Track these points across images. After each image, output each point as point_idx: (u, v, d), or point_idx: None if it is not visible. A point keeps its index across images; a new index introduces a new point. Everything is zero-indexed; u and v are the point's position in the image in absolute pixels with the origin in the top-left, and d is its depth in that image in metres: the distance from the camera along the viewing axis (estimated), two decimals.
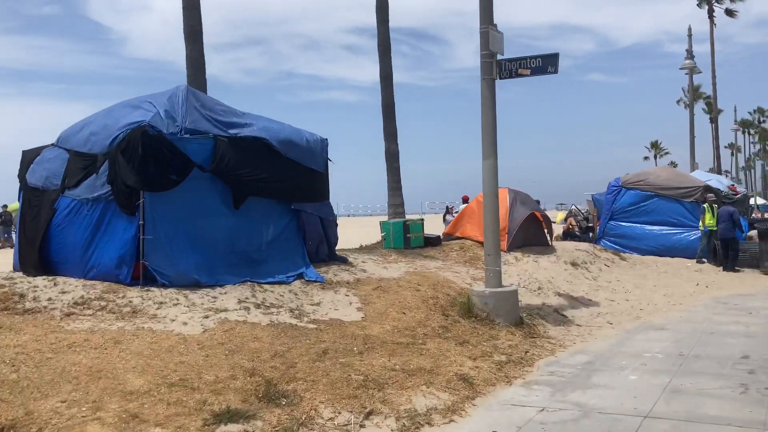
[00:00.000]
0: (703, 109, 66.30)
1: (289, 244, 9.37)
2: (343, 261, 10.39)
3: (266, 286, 8.64)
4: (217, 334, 6.85)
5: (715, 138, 56.75)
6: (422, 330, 7.88)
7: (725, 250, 15.95)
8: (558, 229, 22.00)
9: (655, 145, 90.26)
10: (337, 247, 13.87)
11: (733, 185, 22.07)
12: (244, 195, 8.89)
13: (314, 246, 9.87)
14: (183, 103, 8.46)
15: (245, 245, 8.94)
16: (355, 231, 25.39)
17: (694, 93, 73.87)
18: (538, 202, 25.32)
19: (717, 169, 58.17)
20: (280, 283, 8.88)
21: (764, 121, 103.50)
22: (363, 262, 10.86)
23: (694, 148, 27.09)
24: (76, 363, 5.93)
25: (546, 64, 8.50)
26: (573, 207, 23.03)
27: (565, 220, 21.89)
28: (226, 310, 7.57)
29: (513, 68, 8.63)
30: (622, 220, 18.43)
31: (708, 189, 17.60)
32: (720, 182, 21.57)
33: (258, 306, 7.89)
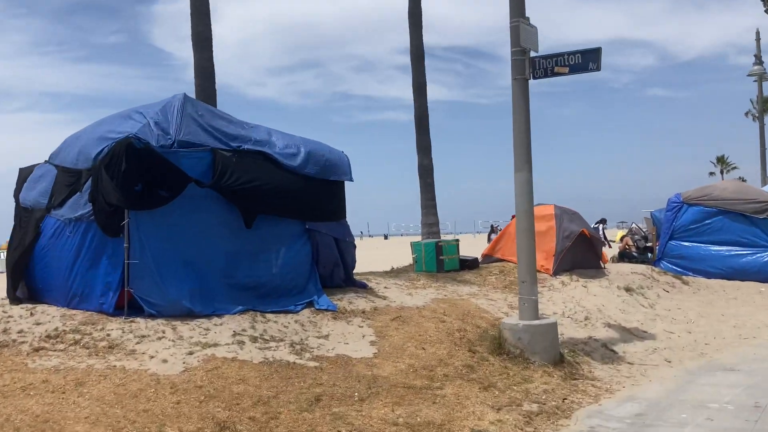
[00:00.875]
0: None
1: (299, 268, 8.42)
2: (362, 287, 9.37)
3: (270, 316, 7.71)
4: (197, 375, 5.93)
5: None
6: (442, 370, 6.77)
7: None
8: (615, 250, 20.41)
9: (721, 160, 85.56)
10: (362, 270, 12.90)
11: None
12: (252, 213, 8.01)
13: (328, 270, 8.90)
14: (178, 113, 7.67)
15: (249, 269, 8.03)
16: (396, 251, 24.35)
17: (765, 103, 70.33)
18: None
19: None
20: (287, 312, 7.94)
21: None
22: (385, 288, 9.82)
23: (766, 160, 24.95)
24: (24, 410, 5.10)
25: (587, 60, 7.33)
26: (633, 225, 21.37)
27: (622, 239, 20.27)
28: (216, 345, 6.66)
29: (549, 66, 7.50)
30: (683, 239, 16.75)
31: None
32: None
33: (255, 339, 6.95)
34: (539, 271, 12.56)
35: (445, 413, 5.50)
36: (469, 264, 12.82)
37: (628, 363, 7.96)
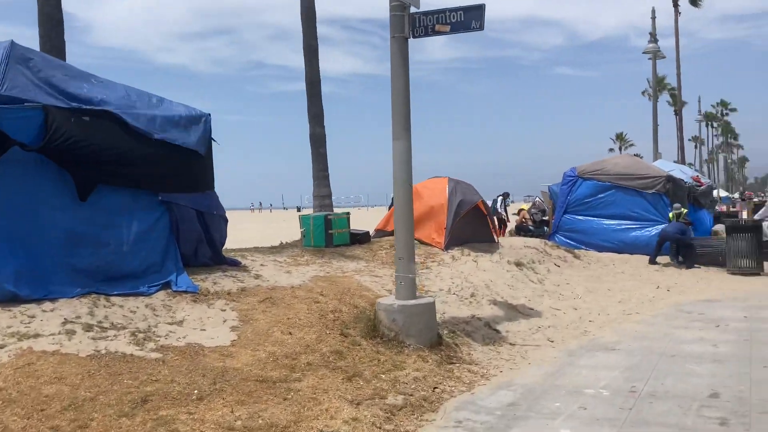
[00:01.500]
0: (668, 102, 65.81)
1: (154, 244, 7.47)
2: (234, 264, 8.54)
3: (116, 300, 6.76)
4: (2, 374, 4.96)
5: (680, 129, 56.08)
6: (307, 358, 6.09)
7: (676, 250, 14.49)
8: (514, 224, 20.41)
9: (620, 137, 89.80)
10: (246, 245, 12.00)
11: (697, 176, 20.74)
12: (91, 183, 6.98)
13: (192, 247, 8.01)
14: (2, 64, 6.49)
15: (93, 247, 7.02)
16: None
17: (659, 84, 73.46)
18: (507, 194, 23.57)
19: (681, 161, 57.61)
20: (137, 294, 7.00)
21: (727, 114, 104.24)
22: (262, 265, 9.02)
23: (658, 137, 25.78)
24: None
25: (469, 18, 6.72)
26: (537, 199, 21.39)
27: (519, 213, 20.27)
28: (37, 336, 5.67)
29: (429, 24, 6.84)
30: (577, 213, 16.87)
31: (671, 179, 16.12)
32: (683, 172, 20.20)
33: (90, 328, 6.00)
34: (431, 245, 12.13)
35: (293, 412, 4.82)
36: (360, 238, 12.20)
37: (510, 344, 7.57)
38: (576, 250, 15.09)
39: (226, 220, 8.68)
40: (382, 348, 6.67)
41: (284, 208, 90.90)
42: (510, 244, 13.61)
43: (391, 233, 12.93)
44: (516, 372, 6.47)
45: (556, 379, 6.13)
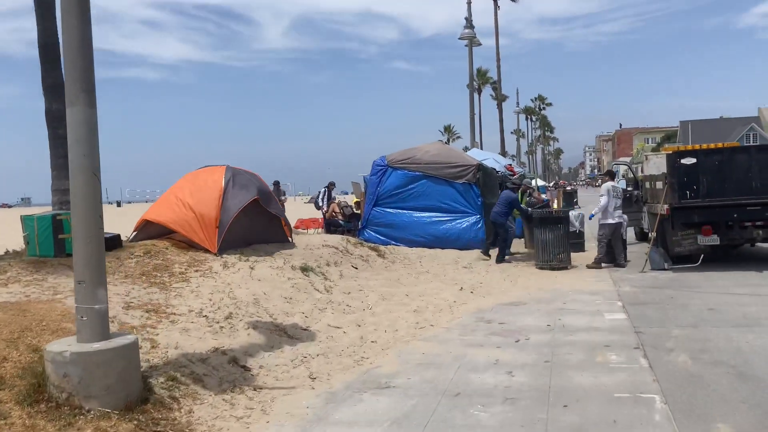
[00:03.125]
0: (491, 95, 68.24)
1: None
2: None
3: None
4: None
5: (500, 121, 58.25)
6: None
7: (494, 237, 13.63)
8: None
9: (448, 129, 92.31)
10: None
11: (510, 165, 20.33)
12: None
13: None
14: None
15: None
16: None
17: (482, 78, 76.35)
18: (332, 184, 21.58)
19: (502, 152, 59.93)
20: None
21: (544, 108, 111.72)
22: None
23: (474, 126, 25.34)
24: None
25: None
26: (338, 198, 19.62)
27: (322, 206, 18.60)
28: None
29: None
30: (388, 205, 15.46)
31: (481, 168, 15.18)
32: (497, 161, 19.67)
33: None
34: (205, 250, 9.94)
35: None
36: (108, 243, 9.63)
37: (256, 387, 5.61)
38: (383, 247, 13.63)
39: None
40: (43, 419, 4.41)
41: (117, 204, 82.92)
42: (306, 243, 11.77)
43: (163, 231, 10.56)
44: None
45: None
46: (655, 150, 27.40)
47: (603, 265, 12.18)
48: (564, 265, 12.22)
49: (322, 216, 18.92)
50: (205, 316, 7.18)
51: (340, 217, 17.16)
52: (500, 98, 58.64)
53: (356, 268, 10.79)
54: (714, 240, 11.02)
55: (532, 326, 7.60)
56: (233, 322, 7.15)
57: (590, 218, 12.71)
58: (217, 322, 7.04)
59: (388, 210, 15.36)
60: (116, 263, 8.84)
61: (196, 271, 8.91)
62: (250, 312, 7.60)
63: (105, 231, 10.38)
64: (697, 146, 12.58)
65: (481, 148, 64.77)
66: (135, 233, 10.76)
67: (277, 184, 20.79)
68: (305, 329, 7.46)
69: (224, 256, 9.75)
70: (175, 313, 7.18)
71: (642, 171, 15.88)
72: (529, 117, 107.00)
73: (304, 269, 9.70)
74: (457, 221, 14.95)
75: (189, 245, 10.10)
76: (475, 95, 77.14)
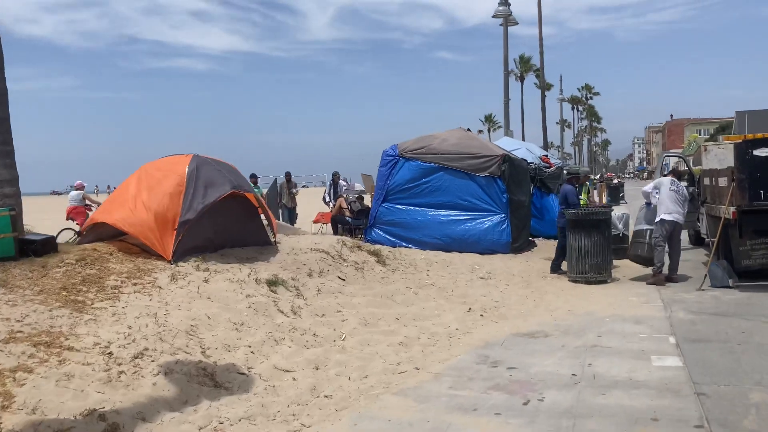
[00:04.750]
0: (535, 84, 65.16)
1: None
2: None
3: None
4: None
5: (542, 110, 55.32)
6: None
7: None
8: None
9: (489, 119, 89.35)
10: None
11: (546, 156, 18.08)
12: None
13: None
14: None
15: None
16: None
17: (525, 66, 73.37)
18: (337, 175, 19.65)
19: (544, 144, 57.04)
20: None
21: (591, 98, 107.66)
22: None
23: (508, 113, 23.19)
24: None
25: None
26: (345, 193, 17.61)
27: (329, 201, 16.74)
28: None
29: None
30: (399, 201, 13.48)
31: (507, 159, 13.06)
32: (530, 151, 17.43)
33: None
34: (159, 256, 8.20)
35: None
36: (37, 248, 7.94)
37: None
38: (388, 250, 11.68)
39: None
40: None
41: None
42: (293, 246, 9.92)
43: (117, 233, 8.86)
44: None
45: None
46: (710, 140, 24.78)
47: (665, 279, 9.97)
48: (603, 278, 10.08)
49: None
50: (110, 353, 5.39)
51: (347, 213, 15.28)
52: (543, 85, 55.65)
53: (343, 280, 8.88)
54: None
55: (552, 375, 5.57)
56: (142, 363, 5.32)
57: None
58: (119, 364, 5.23)
59: (399, 207, 13.39)
60: (38, 273, 7.15)
61: (135, 284, 7.15)
62: (176, 346, 5.77)
63: (37, 233, 8.75)
64: None
65: (523, 139, 62.15)
66: (81, 236, 9.10)
67: (288, 176, 19.03)
68: (243, 373, 5.59)
69: (180, 264, 8.00)
70: (73, 348, 5.41)
71: (698, 164, 13.54)
72: (575, 107, 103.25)
73: (272, 283, 7.84)
74: (479, 221, 12.88)
75: (142, 250, 8.39)
76: (518, 84, 74.49)
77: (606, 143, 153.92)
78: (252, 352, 6.05)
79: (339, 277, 8.94)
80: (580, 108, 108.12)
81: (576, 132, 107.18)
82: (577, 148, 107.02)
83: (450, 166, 13.11)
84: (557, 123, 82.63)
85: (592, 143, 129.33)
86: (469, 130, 14.44)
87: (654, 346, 6.38)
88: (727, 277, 9.17)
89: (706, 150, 11.76)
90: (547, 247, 14.38)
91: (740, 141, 9.00)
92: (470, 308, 8.18)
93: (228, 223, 9.21)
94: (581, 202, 13.32)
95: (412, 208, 13.29)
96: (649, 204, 10.24)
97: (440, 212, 13.11)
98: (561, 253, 11.12)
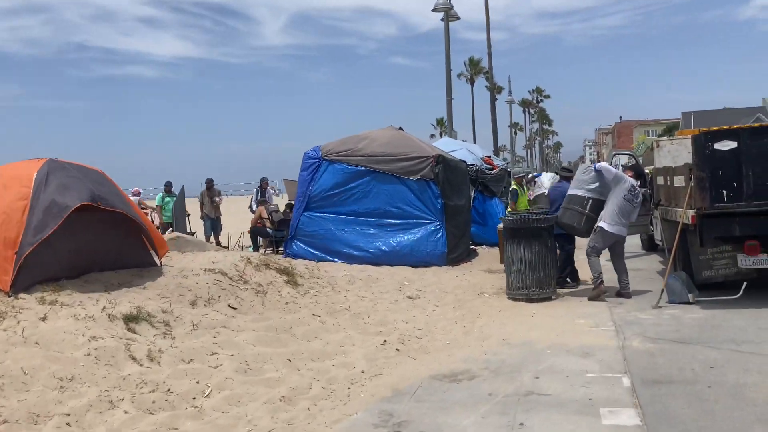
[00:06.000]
0: (486, 87, 64.51)
1: None
2: None
3: None
4: None
5: (492, 111, 54.57)
6: None
7: (563, 260, 9.66)
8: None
9: (440, 122, 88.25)
10: None
11: (489, 157, 16.82)
12: None
13: None
14: None
15: None
16: None
17: (474, 68, 72.79)
18: (265, 181, 17.81)
19: (495, 146, 56.27)
20: None
21: (542, 101, 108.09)
22: None
23: (452, 112, 21.83)
24: None
25: None
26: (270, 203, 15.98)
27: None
28: None
29: None
30: (321, 210, 11.96)
31: (441, 161, 11.67)
32: (471, 152, 16.14)
33: None
34: None
35: None
36: None
37: None
38: (308, 266, 10.16)
39: None
40: None
41: None
42: (184, 267, 8.32)
43: None
44: None
45: None
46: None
47: (615, 294, 8.73)
48: (547, 294, 8.74)
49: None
50: None
51: (267, 224, 13.67)
52: (492, 85, 54.96)
53: (235, 309, 7.29)
54: (764, 261, 7.53)
55: None
56: None
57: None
58: None
59: (323, 216, 11.86)
60: None
61: None
62: None
63: None
64: (735, 126, 9.01)
65: (474, 142, 61.32)
66: None
67: (210, 183, 17.31)
68: None
69: (21, 297, 6.38)
70: None
71: (649, 165, 12.42)
72: (526, 110, 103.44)
73: (132, 318, 6.21)
74: (411, 230, 11.47)
75: None
76: (469, 86, 73.84)
77: (558, 146, 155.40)
78: (68, 423, 4.43)
79: (230, 306, 7.35)
80: (532, 111, 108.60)
81: (528, 135, 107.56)
82: (529, 151, 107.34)
83: (379, 170, 11.66)
84: (509, 126, 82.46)
85: (544, 146, 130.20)
86: (401, 129, 13.01)
87: (604, 391, 5.00)
88: (687, 291, 7.92)
89: (658, 146, 10.58)
90: (489, 257, 13.07)
91: (699, 134, 7.75)
92: (385, 340, 6.69)
93: (96, 241, 7.56)
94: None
95: (337, 217, 11.79)
96: (598, 171, 8.67)
97: (369, 221, 11.63)
98: (566, 262, 9.63)
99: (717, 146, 7.42)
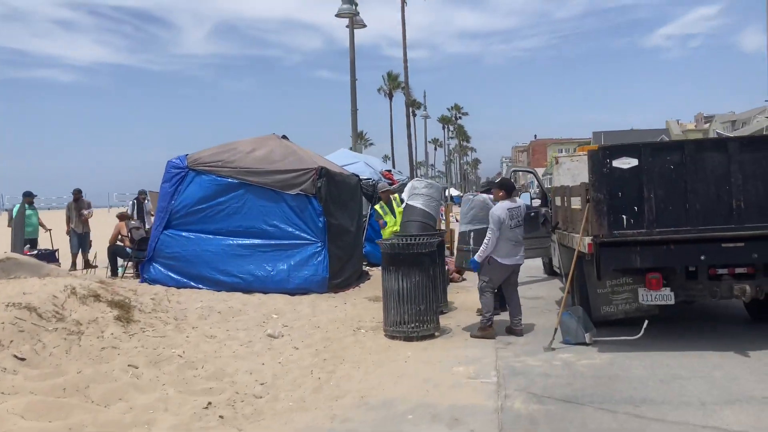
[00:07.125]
0: (406, 102, 64.23)
1: None
2: None
3: None
4: None
5: (408, 126, 54.06)
6: None
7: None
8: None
9: (361, 136, 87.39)
10: None
11: (389, 171, 15.66)
12: None
13: None
14: None
15: None
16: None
17: (392, 82, 72.29)
18: (143, 194, 16.41)
19: (410, 162, 55.72)
20: None
21: (460, 118, 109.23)
22: None
23: (356, 123, 20.76)
24: None
25: None
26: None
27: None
28: None
29: None
30: (185, 228, 10.37)
31: (324, 174, 10.33)
32: (369, 165, 14.94)
33: None
34: None
35: None
36: None
37: None
38: (155, 296, 8.57)
39: None
40: None
41: None
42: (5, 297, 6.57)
43: None
44: None
45: None
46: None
47: (506, 331, 7.64)
48: (428, 331, 7.54)
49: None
50: None
51: (127, 242, 11.94)
52: (409, 101, 54.57)
53: (22, 360, 5.66)
54: (666, 297, 6.57)
55: None
56: None
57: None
58: None
59: (186, 235, 10.27)
60: None
61: None
62: None
63: None
64: (637, 142, 8.12)
65: (393, 156, 60.28)
66: None
67: (77, 194, 15.31)
68: None
69: None
70: None
71: (551, 183, 11.57)
72: (445, 126, 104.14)
73: None
74: (288, 252, 10.05)
75: None
76: (387, 101, 73.29)
77: (476, 162, 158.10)
78: None
79: (15, 356, 5.71)
80: (451, 127, 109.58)
81: (447, 151, 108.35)
82: (448, 167, 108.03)
83: (254, 182, 10.20)
84: (430, 141, 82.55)
85: (463, 162, 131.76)
86: (285, 137, 11.61)
87: None
88: (583, 330, 6.89)
89: (557, 163, 9.66)
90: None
91: (596, 149, 6.76)
92: (210, 402, 5.24)
93: None
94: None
95: (203, 236, 10.23)
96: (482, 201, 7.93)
97: (240, 241, 10.14)
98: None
99: (616, 164, 6.44)
